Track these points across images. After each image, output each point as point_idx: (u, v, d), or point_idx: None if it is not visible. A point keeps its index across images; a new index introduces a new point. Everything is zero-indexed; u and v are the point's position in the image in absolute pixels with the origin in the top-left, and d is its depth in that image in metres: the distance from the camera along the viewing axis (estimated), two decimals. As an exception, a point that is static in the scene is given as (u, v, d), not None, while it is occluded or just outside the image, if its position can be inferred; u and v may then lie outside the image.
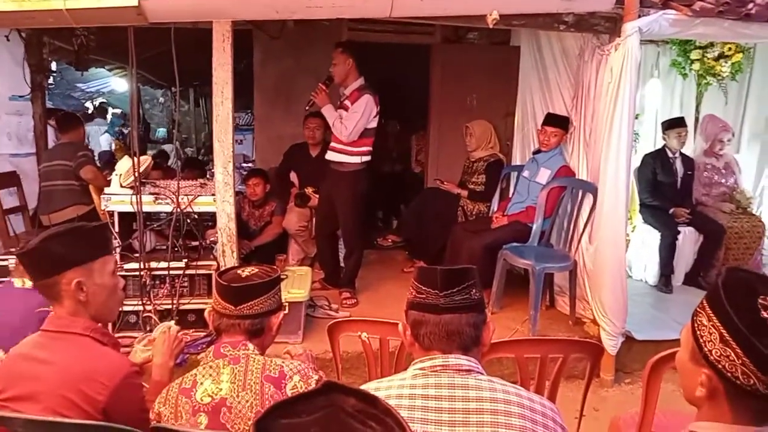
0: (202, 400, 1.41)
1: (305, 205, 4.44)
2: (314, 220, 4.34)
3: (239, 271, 1.59)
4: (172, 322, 2.03)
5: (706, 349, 0.97)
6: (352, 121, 3.61)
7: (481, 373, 1.21)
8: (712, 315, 0.97)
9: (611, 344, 3.22)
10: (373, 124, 3.72)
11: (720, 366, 0.95)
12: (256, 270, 1.59)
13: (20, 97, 4.47)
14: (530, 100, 4.41)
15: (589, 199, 3.49)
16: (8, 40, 4.21)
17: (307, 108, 3.84)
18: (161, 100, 11.90)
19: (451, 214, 4.46)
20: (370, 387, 1.24)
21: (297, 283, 3.45)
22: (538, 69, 4.25)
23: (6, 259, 3.37)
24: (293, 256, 4.45)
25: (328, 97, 3.67)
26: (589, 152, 3.52)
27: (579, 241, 3.57)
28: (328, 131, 4.03)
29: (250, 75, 5.50)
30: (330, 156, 3.83)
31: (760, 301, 0.93)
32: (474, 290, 1.26)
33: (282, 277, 3.39)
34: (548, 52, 4.08)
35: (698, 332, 0.99)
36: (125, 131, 10.16)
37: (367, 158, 3.78)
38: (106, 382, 1.43)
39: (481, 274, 3.76)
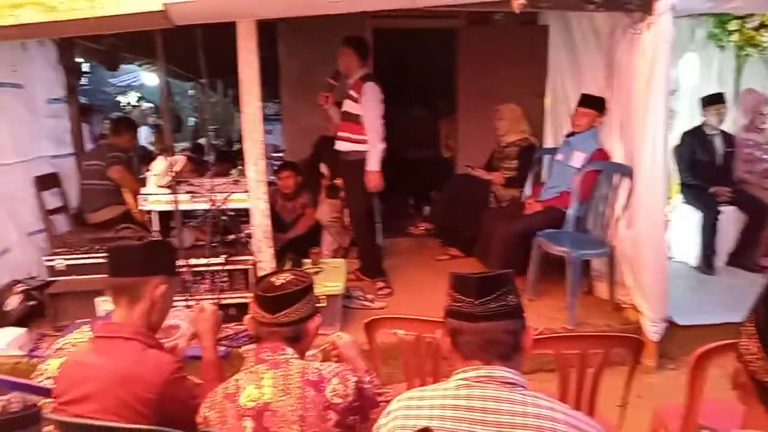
0: (246, 405, 1.45)
1: (336, 196, 4.47)
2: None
3: (273, 279, 1.61)
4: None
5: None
6: (372, 121, 3.64)
7: (525, 388, 1.20)
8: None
9: (653, 331, 3.17)
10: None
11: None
12: (291, 277, 1.61)
13: (56, 100, 4.57)
14: (561, 82, 4.30)
15: (625, 183, 3.40)
16: (41, 44, 4.30)
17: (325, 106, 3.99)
18: (190, 92, 12.04)
19: (483, 200, 4.41)
20: (413, 396, 1.25)
21: (332, 276, 3.48)
22: (568, 49, 4.13)
23: (53, 260, 3.49)
24: (327, 247, 4.49)
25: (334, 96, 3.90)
26: (625, 134, 3.43)
27: (616, 225, 3.49)
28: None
29: (275, 63, 5.50)
30: (338, 146, 3.87)
31: None
32: (510, 296, 1.24)
33: (316, 272, 3.45)
34: (578, 32, 3.96)
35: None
36: (159, 123, 10.32)
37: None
38: (154, 380, 1.52)
39: (514, 260, 3.75)
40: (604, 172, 3.56)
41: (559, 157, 3.92)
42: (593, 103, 3.71)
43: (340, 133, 3.84)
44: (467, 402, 1.16)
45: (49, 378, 1.66)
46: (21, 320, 3.36)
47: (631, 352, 1.95)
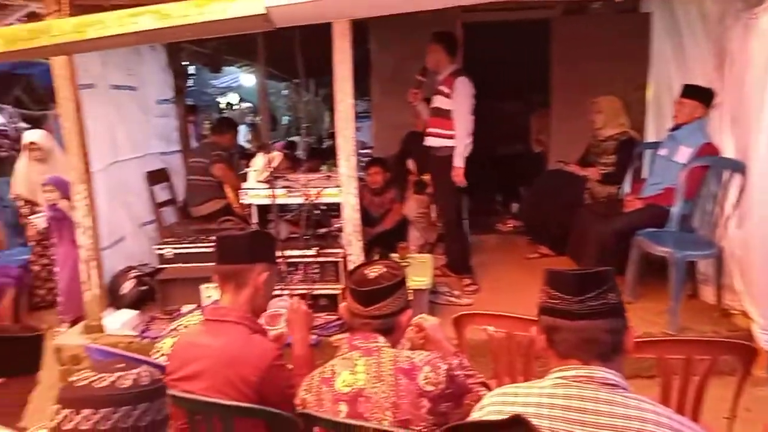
0: (341, 390, 1.51)
1: (423, 191, 4.49)
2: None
3: (366, 271, 1.64)
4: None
5: None
6: (462, 116, 3.63)
7: (627, 390, 1.15)
8: None
9: (765, 339, 2.92)
10: None
11: None
12: (384, 270, 1.63)
13: (165, 100, 4.93)
14: (665, 72, 4.05)
15: (737, 179, 3.16)
16: (153, 49, 4.65)
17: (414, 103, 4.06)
18: (284, 92, 12.54)
19: (575, 197, 4.24)
20: (507, 392, 1.24)
21: (419, 271, 3.50)
22: (673, 38, 3.89)
23: (162, 248, 3.77)
24: (413, 242, 4.52)
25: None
26: (737, 128, 3.18)
27: (726, 225, 3.25)
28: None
29: (366, 62, 5.58)
30: (429, 141, 3.87)
31: None
32: (611, 294, 1.19)
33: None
34: (684, 18, 3.72)
35: None
36: (256, 122, 10.87)
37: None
38: (258, 364, 1.62)
39: (611, 260, 3.58)
40: (713, 168, 3.32)
41: (662, 151, 3.70)
42: (695, 94, 3.47)
43: (430, 129, 3.86)
44: (565, 401, 1.13)
45: (163, 355, 1.81)
46: (134, 303, 3.67)
47: (742, 361, 1.81)
